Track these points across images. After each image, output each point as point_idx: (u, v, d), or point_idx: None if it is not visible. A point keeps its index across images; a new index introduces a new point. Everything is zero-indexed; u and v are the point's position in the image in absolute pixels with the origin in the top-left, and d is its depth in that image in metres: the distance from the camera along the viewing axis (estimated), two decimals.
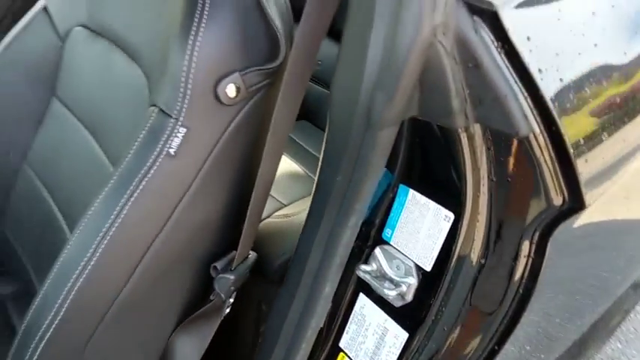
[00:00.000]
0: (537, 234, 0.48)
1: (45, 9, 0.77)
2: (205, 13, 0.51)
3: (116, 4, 0.68)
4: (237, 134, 0.54)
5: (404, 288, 0.56)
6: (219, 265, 0.61)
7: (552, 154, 0.42)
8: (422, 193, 0.52)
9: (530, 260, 0.49)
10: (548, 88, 0.40)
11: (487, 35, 0.38)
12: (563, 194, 0.45)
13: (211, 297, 0.62)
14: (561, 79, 0.41)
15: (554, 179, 0.44)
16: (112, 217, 0.53)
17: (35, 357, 0.56)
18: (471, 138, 0.44)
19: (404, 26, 0.37)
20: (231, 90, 0.52)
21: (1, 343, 0.82)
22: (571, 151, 0.42)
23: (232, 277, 0.60)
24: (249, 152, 0.57)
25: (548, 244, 0.48)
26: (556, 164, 0.43)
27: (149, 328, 0.64)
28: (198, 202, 0.55)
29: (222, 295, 0.61)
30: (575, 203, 0.45)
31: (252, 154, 0.58)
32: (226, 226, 0.61)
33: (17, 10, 1.11)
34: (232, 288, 0.62)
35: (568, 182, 0.44)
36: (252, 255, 0.64)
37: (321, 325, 0.65)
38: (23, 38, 0.79)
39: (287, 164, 1.07)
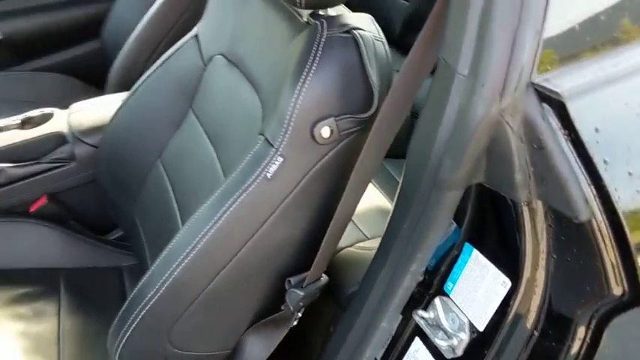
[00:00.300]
0: (594, 320, 0.48)
1: (196, 36, 0.92)
2: (316, 63, 0.59)
3: (250, 42, 0.79)
4: (325, 169, 0.62)
5: (455, 342, 0.58)
6: (292, 280, 0.68)
7: (613, 243, 0.43)
8: (484, 254, 0.54)
9: (585, 344, 0.49)
10: (613, 179, 0.41)
11: (554, 122, 0.41)
12: (624, 285, 0.44)
13: (282, 307, 0.70)
14: (630, 173, 0.42)
15: (615, 268, 0.44)
16: (213, 221, 0.63)
17: (134, 324, 0.69)
18: (533, 212, 0.46)
19: (474, 106, 0.41)
20: (325, 131, 0.59)
21: (113, 304, 0.99)
22: (632, 243, 0.42)
23: (302, 293, 0.67)
24: (334, 186, 0.64)
25: (605, 332, 0.47)
26: (617, 254, 0.43)
27: (227, 322, 0.73)
28: (283, 222, 0.63)
29: (291, 308, 0.68)
30: (636, 297, 0.44)
31: (337, 188, 0.64)
32: (305, 247, 0.69)
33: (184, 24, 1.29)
34: (301, 303, 0.69)
35: (628, 275, 0.44)
36: (324, 278, 0.71)
37: (376, 357, 0.69)
38: (177, 56, 0.95)
39: (379, 199, 1.12)
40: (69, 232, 1.06)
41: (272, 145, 0.60)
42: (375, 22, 0.66)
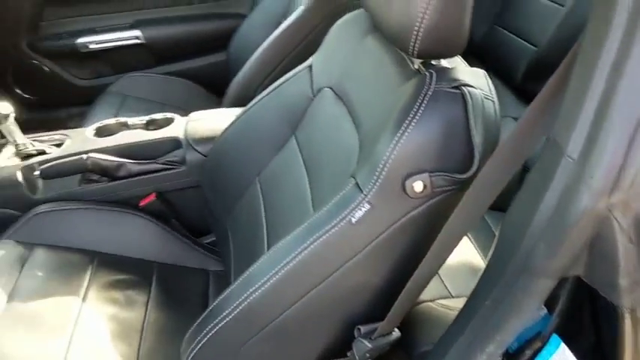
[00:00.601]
0: None
1: (310, 67, 0.94)
2: (418, 115, 0.58)
3: (359, 80, 0.80)
4: (413, 223, 0.60)
5: None
6: (362, 329, 0.67)
7: None
8: (572, 351, 0.49)
9: None
10: None
11: None
12: None
13: (348, 354, 0.69)
14: None
15: None
16: (293, 255, 0.64)
17: (207, 337, 0.72)
18: (636, 322, 0.41)
19: (580, 195, 0.38)
20: (418, 186, 0.57)
21: (194, 305, 1.05)
22: None
23: (370, 345, 0.65)
24: (421, 240, 0.62)
25: None
26: None
27: (290, 356, 0.74)
28: (362, 268, 0.63)
29: (357, 357, 0.67)
30: None
31: (423, 243, 0.62)
32: (381, 296, 0.67)
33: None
34: (367, 355, 0.67)
35: None
36: (396, 333, 0.68)
37: None
38: (290, 83, 0.98)
39: (471, 254, 1.06)
40: (169, 230, 1.14)
41: (361, 191, 0.60)
42: (489, 79, 0.63)
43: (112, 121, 1.24)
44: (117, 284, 1.03)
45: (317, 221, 0.64)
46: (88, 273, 1.02)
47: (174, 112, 1.60)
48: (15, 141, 1.14)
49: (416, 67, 0.67)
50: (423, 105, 0.58)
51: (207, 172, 1.10)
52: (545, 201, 0.40)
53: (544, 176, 0.41)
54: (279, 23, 1.43)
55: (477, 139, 0.56)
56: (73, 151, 1.12)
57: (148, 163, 1.13)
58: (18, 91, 1.80)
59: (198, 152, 1.13)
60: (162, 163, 1.14)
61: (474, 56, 1.57)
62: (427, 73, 0.61)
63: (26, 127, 1.83)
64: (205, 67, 1.82)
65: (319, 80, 0.91)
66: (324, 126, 0.87)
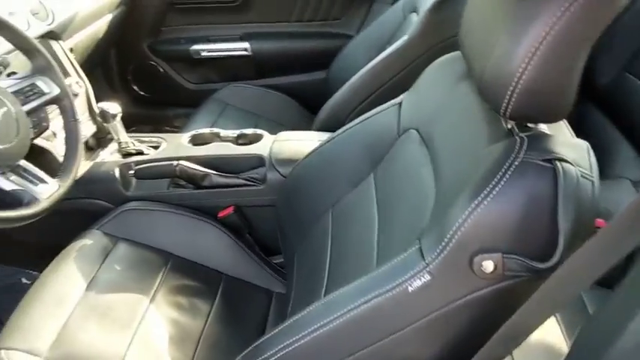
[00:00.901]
0: None
1: (400, 104, 0.91)
2: (499, 186, 0.52)
3: (447, 128, 0.75)
4: (476, 304, 0.54)
5: None
6: None
7: None
8: None
9: None
10: None
11: None
12: None
13: None
14: None
15: None
16: (343, 311, 0.61)
17: None
18: None
19: None
20: (488, 265, 0.52)
21: (253, 325, 1.05)
22: None
23: None
24: (483, 323, 0.56)
25: None
26: None
27: None
28: (414, 342, 0.58)
29: None
30: None
31: (486, 326, 0.56)
32: None
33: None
34: None
35: None
36: None
37: None
38: (377, 118, 0.95)
39: (555, 334, 0.94)
40: (241, 245, 1.16)
41: (423, 258, 0.55)
42: (592, 154, 0.55)
43: (206, 130, 1.29)
44: (184, 289, 1.06)
45: (374, 280, 0.60)
46: (161, 274, 1.06)
47: (269, 125, 1.66)
48: (119, 139, 1.22)
49: (509, 126, 0.61)
50: (507, 175, 0.52)
51: (284, 194, 1.10)
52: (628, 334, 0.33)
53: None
54: (383, 49, 1.40)
55: (565, 224, 0.49)
56: (166, 156, 1.18)
57: (230, 176, 1.16)
58: (135, 87, 1.96)
59: (279, 173, 1.14)
60: (244, 179, 1.16)
61: (594, 103, 1.42)
62: (518, 138, 0.55)
63: (137, 121, 1.99)
64: (304, 84, 1.84)
65: (407, 120, 0.87)
66: (404, 170, 0.82)
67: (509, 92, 0.52)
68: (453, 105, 0.76)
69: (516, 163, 0.52)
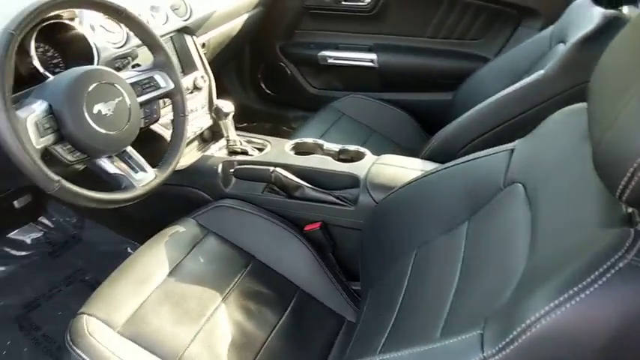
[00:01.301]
0: None
1: (512, 150, 0.79)
2: (595, 285, 0.42)
3: (555, 191, 0.63)
4: None
5: None
6: None
7: None
8: None
9: None
10: None
11: None
12: None
13: None
14: None
15: None
16: None
17: None
18: None
19: None
20: None
21: (317, 349, 1.01)
22: None
23: None
24: None
25: None
26: None
27: None
28: None
29: None
30: None
31: None
32: None
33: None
34: None
35: None
36: None
37: None
38: (485, 161, 0.85)
39: None
40: (322, 262, 1.13)
41: (482, 349, 0.46)
42: None
43: (310, 140, 1.28)
44: (257, 295, 1.06)
45: (426, 357, 0.52)
46: (239, 275, 1.07)
47: (381, 141, 1.60)
48: (228, 136, 1.26)
49: (629, 210, 0.49)
50: (607, 276, 0.41)
51: (372, 221, 1.04)
52: None
53: None
54: (519, 78, 1.26)
55: None
56: (265, 160, 1.19)
57: (323, 192, 1.13)
58: (262, 85, 2.03)
59: (372, 197, 1.08)
60: (336, 197, 1.12)
61: None
62: (632, 232, 0.43)
63: (260, 117, 2.07)
64: (427, 104, 1.75)
65: (516, 171, 0.76)
66: (500, 229, 0.72)
67: (629, 174, 0.41)
68: (570, 167, 0.64)
69: (621, 264, 0.41)
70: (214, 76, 1.38)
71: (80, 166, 0.98)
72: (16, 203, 0.93)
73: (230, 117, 1.24)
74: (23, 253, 1.52)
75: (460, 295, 0.69)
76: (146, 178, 0.94)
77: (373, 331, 0.83)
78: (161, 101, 1.09)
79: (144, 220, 1.38)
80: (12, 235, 1.54)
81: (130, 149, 0.94)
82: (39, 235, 1.58)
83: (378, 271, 0.98)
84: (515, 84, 1.22)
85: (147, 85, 0.96)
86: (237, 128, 1.29)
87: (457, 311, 0.66)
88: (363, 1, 1.73)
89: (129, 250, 1.51)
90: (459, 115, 1.35)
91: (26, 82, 0.93)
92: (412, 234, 0.92)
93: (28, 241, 1.55)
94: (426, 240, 0.88)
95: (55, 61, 1.07)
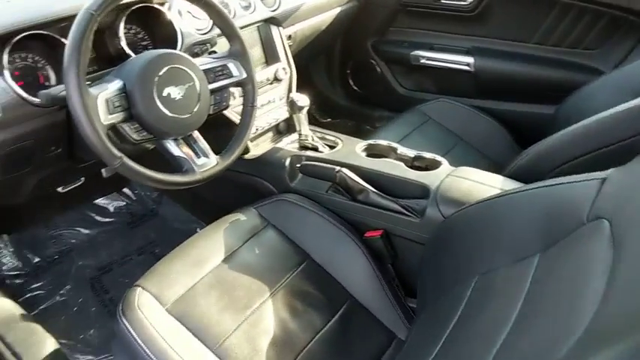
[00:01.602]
0: None
1: (603, 180, 0.68)
2: None
3: None
4: None
5: None
6: None
7: None
8: None
9: None
10: None
11: None
12: None
13: None
14: None
15: None
16: None
17: None
18: None
19: None
20: None
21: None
22: None
23: None
24: None
25: None
26: None
27: None
28: None
29: None
30: None
31: None
32: None
33: None
34: None
35: None
36: None
37: None
38: (566, 188, 0.74)
39: None
40: (379, 273, 1.06)
41: None
42: None
43: (384, 142, 1.21)
44: (306, 296, 1.02)
45: None
46: (291, 272, 1.05)
47: (467, 151, 1.48)
48: (300, 130, 1.24)
49: None
50: None
51: (436, 237, 0.96)
52: None
53: None
54: (636, 96, 1.09)
55: None
56: (333, 159, 1.15)
57: (388, 199, 1.07)
58: (350, 82, 1.99)
59: (440, 212, 1.00)
60: (402, 206, 1.05)
61: None
62: None
63: (343, 114, 2.03)
64: (525, 115, 1.59)
65: (603, 205, 0.65)
66: (574, 271, 0.61)
67: None
68: None
69: None
70: (301, 69, 1.36)
71: (150, 146, 1.00)
72: (103, 172, 0.98)
73: (304, 111, 1.21)
74: (106, 220, 1.63)
75: (515, 335, 0.60)
76: (207, 164, 0.94)
77: (418, 355, 0.76)
78: (237, 90, 1.09)
79: (214, 203, 1.40)
80: (98, 201, 1.66)
81: (196, 134, 0.94)
82: (122, 204, 1.68)
83: (434, 293, 0.90)
84: (634, 100, 1.05)
85: (220, 73, 0.96)
86: (320, 123, 1.27)
87: (507, 352, 0.57)
88: (464, 0, 1.61)
89: (197, 229, 1.56)
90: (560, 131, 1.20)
91: (115, 61, 0.97)
92: (476, 258, 0.83)
93: (111, 209, 1.66)
94: (491, 268, 0.79)
95: (145, 42, 1.11)
